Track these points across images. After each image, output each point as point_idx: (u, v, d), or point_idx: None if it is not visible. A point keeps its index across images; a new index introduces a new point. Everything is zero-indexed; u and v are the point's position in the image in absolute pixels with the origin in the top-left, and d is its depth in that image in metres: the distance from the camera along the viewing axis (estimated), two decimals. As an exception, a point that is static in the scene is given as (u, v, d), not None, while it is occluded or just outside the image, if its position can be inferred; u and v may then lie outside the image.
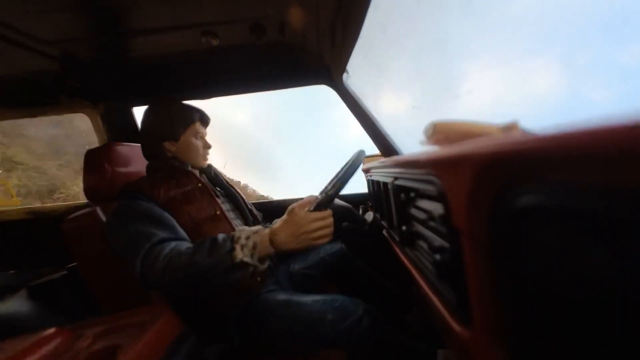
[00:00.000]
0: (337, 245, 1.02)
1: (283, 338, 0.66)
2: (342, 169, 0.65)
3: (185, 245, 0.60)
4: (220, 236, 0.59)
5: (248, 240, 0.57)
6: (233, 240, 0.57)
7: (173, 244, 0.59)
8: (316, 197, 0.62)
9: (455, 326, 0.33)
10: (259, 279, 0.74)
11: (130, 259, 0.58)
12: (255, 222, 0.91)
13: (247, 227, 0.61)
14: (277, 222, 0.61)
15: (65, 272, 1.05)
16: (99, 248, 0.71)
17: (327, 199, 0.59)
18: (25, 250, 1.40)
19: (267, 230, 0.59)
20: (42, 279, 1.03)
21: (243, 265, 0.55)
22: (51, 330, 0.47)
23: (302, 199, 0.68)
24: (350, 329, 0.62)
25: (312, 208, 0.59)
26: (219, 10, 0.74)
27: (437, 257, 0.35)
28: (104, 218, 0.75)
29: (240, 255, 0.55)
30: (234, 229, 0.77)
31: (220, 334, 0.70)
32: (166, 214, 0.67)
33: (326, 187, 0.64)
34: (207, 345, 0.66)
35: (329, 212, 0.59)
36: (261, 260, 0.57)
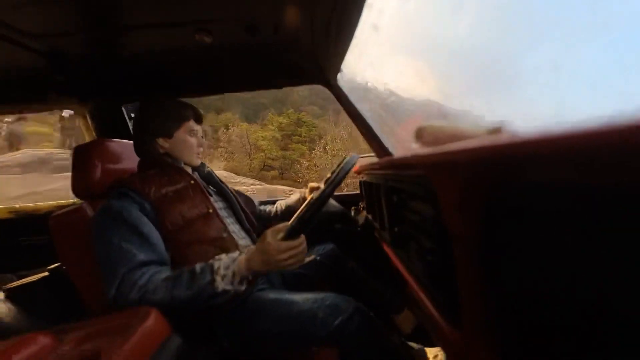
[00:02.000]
0: (330, 245, 1.02)
1: (273, 337, 0.65)
2: (334, 172, 0.65)
3: (163, 275, 0.59)
4: (198, 266, 0.60)
5: (227, 270, 0.58)
6: (213, 271, 0.58)
7: (151, 271, 0.58)
8: (290, 223, 0.62)
9: (445, 327, 0.33)
10: (250, 277, 0.74)
11: (105, 279, 0.58)
12: (248, 220, 0.90)
13: (224, 255, 0.62)
14: (252, 247, 0.63)
15: (46, 273, 1.01)
16: (86, 246, 0.68)
17: (299, 226, 0.60)
18: (7, 251, 1.35)
19: (243, 256, 0.61)
20: (21, 280, 0.99)
21: (224, 292, 0.57)
22: (30, 335, 0.45)
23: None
24: (341, 327, 0.62)
25: (284, 235, 0.60)
26: (213, 7, 0.74)
27: (428, 258, 0.35)
28: (92, 215, 0.73)
29: (222, 285, 0.57)
30: (226, 227, 0.76)
31: (208, 335, 0.69)
32: (153, 228, 0.65)
33: (299, 212, 0.65)
34: (196, 347, 0.65)
35: (299, 240, 0.60)
36: (241, 282, 0.59)
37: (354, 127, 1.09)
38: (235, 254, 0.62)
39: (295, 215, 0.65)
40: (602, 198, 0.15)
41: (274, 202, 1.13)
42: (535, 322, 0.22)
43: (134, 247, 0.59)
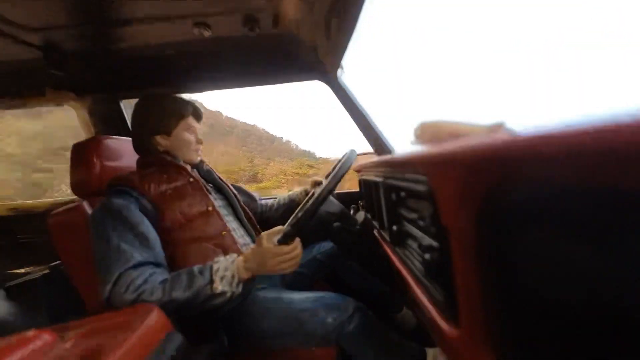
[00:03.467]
0: (329, 244, 1.02)
1: (273, 336, 0.65)
2: (333, 169, 0.65)
3: (160, 277, 0.58)
4: (196, 268, 0.60)
5: (226, 271, 0.59)
6: (211, 272, 0.58)
7: (148, 272, 0.58)
8: (285, 227, 0.62)
9: (444, 325, 0.34)
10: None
11: (100, 277, 0.57)
12: (247, 218, 0.90)
13: (222, 258, 0.62)
14: (249, 249, 0.63)
15: (47, 270, 1.01)
16: (86, 244, 0.68)
17: (294, 229, 0.60)
18: (7, 248, 1.35)
19: (241, 257, 0.61)
20: (21, 278, 0.99)
21: (222, 293, 0.58)
22: (31, 332, 0.45)
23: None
24: (341, 326, 0.62)
25: (280, 239, 0.60)
26: (212, 0, 0.72)
27: (427, 256, 0.35)
28: (90, 213, 0.73)
29: (220, 287, 0.57)
30: (225, 225, 0.76)
31: (208, 334, 0.69)
32: (151, 229, 0.65)
33: (296, 214, 0.65)
34: (195, 345, 0.65)
35: (294, 245, 0.61)
36: (238, 284, 0.60)
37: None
38: (234, 256, 0.63)
39: (291, 217, 0.64)
40: (600, 197, 0.15)
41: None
42: (532, 320, 0.22)
43: (131, 247, 0.59)
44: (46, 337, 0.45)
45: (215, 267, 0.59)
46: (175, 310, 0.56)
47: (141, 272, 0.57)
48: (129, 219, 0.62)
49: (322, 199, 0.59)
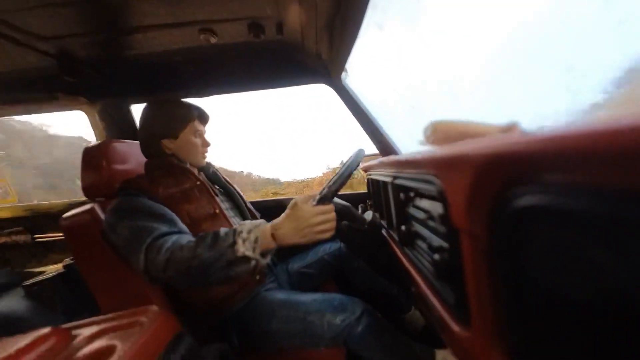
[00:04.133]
0: (336, 245, 1.02)
1: (282, 337, 0.66)
2: (342, 167, 0.65)
3: (187, 238, 0.59)
4: (223, 230, 0.58)
5: (250, 234, 0.56)
6: (235, 234, 0.57)
7: (175, 237, 0.59)
8: (318, 193, 0.62)
9: (454, 326, 0.33)
10: (257, 277, 0.74)
11: (132, 254, 0.58)
12: (253, 220, 0.91)
13: (248, 221, 0.60)
14: (280, 217, 0.60)
15: (62, 270, 1.04)
16: (98, 245, 0.70)
17: (330, 193, 0.59)
18: (25, 248, 1.40)
19: (269, 224, 0.59)
20: (38, 277, 1.02)
21: (245, 259, 0.55)
22: (46, 330, 0.46)
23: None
24: (349, 327, 0.62)
25: (315, 202, 0.58)
26: (218, 8, 0.74)
27: (436, 257, 0.35)
28: (102, 215, 0.74)
29: (242, 249, 0.54)
30: (232, 227, 0.77)
31: (218, 333, 0.70)
32: (166, 209, 0.66)
33: (328, 183, 0.64)
34: (205, 345, 0.66)
35: (331, 206, 0.59)
36: (263, 254, 0.57)
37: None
38: (260, 221, 0.61)
39: (325, 185, 0.64)
40: (615, 198, 0.15)
41: None
42: (545, 322, 0.21)
43: (153, 223, 0.60)
44: (60, 335, 0.47)
45: (239, 229, 0.58)
46: (202, 273, 0.54)
47: (168, 238, 0.58)
48: (143, 206, 0.64)
49: (352, 169, 0.61)
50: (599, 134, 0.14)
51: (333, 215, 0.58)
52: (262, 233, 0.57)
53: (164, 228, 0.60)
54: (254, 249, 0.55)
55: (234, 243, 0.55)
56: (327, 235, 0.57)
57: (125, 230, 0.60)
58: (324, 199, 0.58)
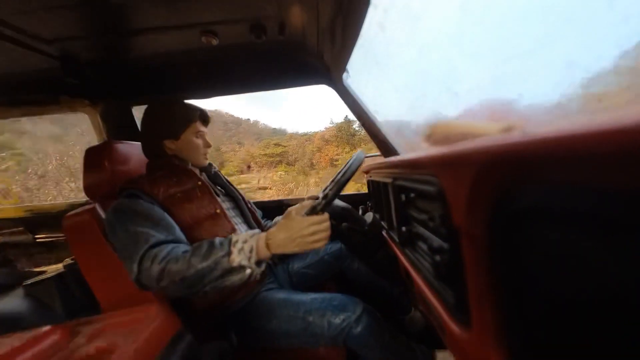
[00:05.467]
0: (337, 245, 1.02)
1: (281, 336, 0.66)
2: (342, 170, 0.65)
3: (183, 248, 0.59)
4: (217, 239, 0.59)
5: (245, 243, 0.57)
6: (230, 243, 0.57)
7: (170, 246, 0.59)
8: (314, 200, 0.62)
9: (454, 327, 0.33)
10: (257, 277, 0.74)
11: (126, 261, 0.58)
12: (255, 220, 0.91)
13: (243, 233, 0.61)
14: (275, 225, 0.61)
15: (62, 270, 1.04)
16: (99, 244, 0.70)
17: (325, 203, 0.59)
18: (25, 248, 1.40)
19: (264, 234, 0.60)
20: (38, 277, 1.02)
21: (240, 268, 0.55)
22: (47, 328, 0.46)
23: (302, 199, 0.68)
24: (349, 327, 0.62)
25: (308, 212, 0.59)
26: (219, 9, 0.74)
27: (437, 258, 0.35)
28: (103, 215, 0.75)
29: (238, 259, 0.55)
30: (233, 228, 0.77)
31: (218, 332, 0.70)
32: (165, 215, 0.66)
33: (325, 189, 0.64)
34: (205, 344, 0.66)
35: (325, 216, 0.59)
36: (258, 263, 0.58)
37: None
38: (256, 231, 0.61)
39: (320, 194, 0.64)
40: (616, 198, 0.15)
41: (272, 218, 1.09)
42: (545, 323, 0.21)
43: (149, 230, 0.60)
44: (60, 333, 0.47)
45: (234, 238, 0.58)
46: (197, 283, 0.55)
47: (164, 247, 0.58)
48: (143, 210, 0.64)
49: (351, 172, 0.59)
50: (599, 134, 0.14)
51: (326, 225, 0.59)
52: (257, 242, 0.58)
53: (160, 235, 0.60)
54: (249, 259, 0.56)
55: (229, 253, 0.56)
56: (321, 244, 0.58)
57: (122, 234, 0.60)
58: (318, 209, 0.59)
